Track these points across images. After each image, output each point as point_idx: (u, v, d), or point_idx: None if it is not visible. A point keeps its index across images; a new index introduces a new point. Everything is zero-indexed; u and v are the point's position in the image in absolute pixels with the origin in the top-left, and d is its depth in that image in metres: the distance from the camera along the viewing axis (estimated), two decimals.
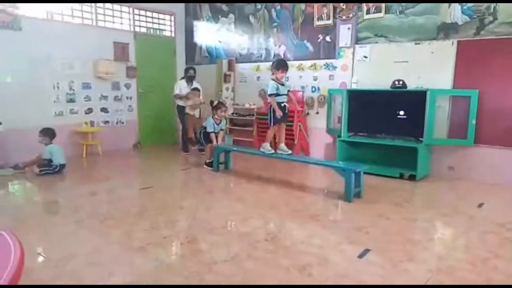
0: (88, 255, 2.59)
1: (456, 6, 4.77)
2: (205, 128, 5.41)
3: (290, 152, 4.73)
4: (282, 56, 6.47)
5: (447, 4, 4.80)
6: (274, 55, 6.58)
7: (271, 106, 4.51)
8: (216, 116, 5.38)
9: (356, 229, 3.11)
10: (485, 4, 4.55)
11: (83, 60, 6.27)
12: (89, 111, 6.46)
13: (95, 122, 6.54)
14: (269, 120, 4.60)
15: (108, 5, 6.61)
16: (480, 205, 3.80)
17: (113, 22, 6.73)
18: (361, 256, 2.58)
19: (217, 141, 5.33)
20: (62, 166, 5.01)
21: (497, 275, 2.35)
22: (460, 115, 4.82)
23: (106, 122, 6.70)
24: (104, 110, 6.66)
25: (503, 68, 4.51)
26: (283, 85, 4.53)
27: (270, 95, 4.45)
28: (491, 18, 4.55)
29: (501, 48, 4.50)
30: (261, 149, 4.76)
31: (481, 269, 2.42)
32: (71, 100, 6.20)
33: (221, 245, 2.79)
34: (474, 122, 4.69)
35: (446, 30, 4.87)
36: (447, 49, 4.85)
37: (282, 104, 4.50)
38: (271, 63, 4.92)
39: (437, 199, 4.14)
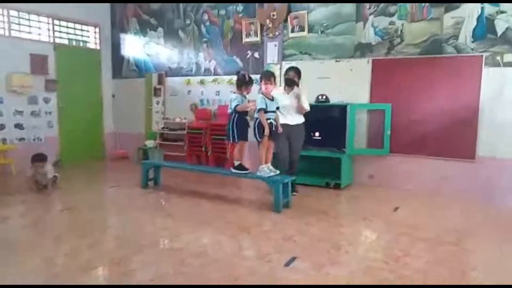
0: None
1: (370, 28, 5.24)
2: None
3: (278, 172, 4.17)
4: (213, 71, 6.54)
5: (363, 25, 5.25)
6: (205, 70, 6.62)
7: (256, 121, 4.11)
8: (244, 93, 4.30)
9: (284, 238, 3.22)
10: (394, 27, 5.07)
11: None
12: (1, 127, 5.90)
13: (8, 140, 5.98)
14: (256, 138, 4.16)
15: (23, 14, 6.16)
16: (396, 209, 4.16)
17: (30, 33, 6.28)
18: (287, 264, 2.68)
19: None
20: None
21: (407, 271, 2.59)
22: (377, 127, 5.25)
23: (22, 139, 6.16)
24: (18, 126, 6.12)
25: (411, 84, 5.03)
26: (272, 100, 4.16)
27: (259, 110, 4.04)
28: (399, 40, 5.08)
29: (408, 66, 5.03)
30: (258, 173, 4.18)
31: (394, 266, 2.66)
32: None
33: (149, 264, 2.70)
34: (389, 133, 5.14)
35: (362, 49, 5.31)
36: (364, 66, 5.29)
37: (269, 121, 4.08)
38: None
39: (358, 205, 4.44)
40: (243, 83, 4.25)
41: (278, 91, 4.54)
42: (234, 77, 6.16)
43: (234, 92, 4.34)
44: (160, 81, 7.07)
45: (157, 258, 2.81)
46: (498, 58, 4.51)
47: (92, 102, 7.34)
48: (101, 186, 5.46)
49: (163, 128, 7.01)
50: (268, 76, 4.15)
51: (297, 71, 4.55)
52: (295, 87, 4.48)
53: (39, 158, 4.77)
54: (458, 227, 3.58)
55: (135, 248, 2.97)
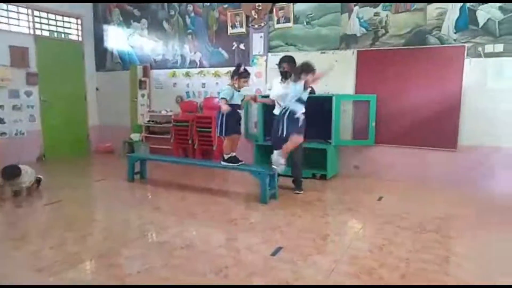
0: None
1: (355, 19, 5.26)
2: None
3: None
4: (198, 63, 6.48)
5: (348, 16, 5.27)
6: (190, 62, 6.56)
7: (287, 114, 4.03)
8: (236, 85, 4.21)
9: (271, 229, 3.25)
10: (378, 18, 5.10)
11: None
12: None
13: None
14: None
15: (1, 4, 5.98)
16: (380, 199, 4.23)
17: (9, 24, 6.11)
18: (274, 254, 2.71)
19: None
20: None
21: (390, 259, 2.64)
22: (362, 118, 5.30)
23: (3, 133, 6.03)
24: (0, 120, 6.00)
25: (395, 75, 5.08)
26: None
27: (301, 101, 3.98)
28: (383, 31, 5.11)
29: (392, 57, 5.08)
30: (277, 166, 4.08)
31: (378, 255, 2.71)
32: None
33: (136, 257, 2.70)
34: (373, 124, 5.20)
35: (347, 40, 5.33)
36: (349, 58, 5.32)
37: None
38: (299, 64, 4.17)
39: (344, 196, 4.48)
40: (235, 73, 4.17)
41: (275, 81, 4.55)
42: (220, 69, 6.22)
43: (228, 84, 4.27)
44: (145, 73, 6.98)
45: (145, 251, 2.81)
46: (480, 49, 4.59)
47: (76, 95, 7.21)
48: (87, 180, 5.40)
49: (148, 121, 6.95)
50: (311, 69, 3.99)
51: (289, 61, 4.42)
52: (292, 75, 4.26)
53: (11, 175, 4.03)
54: (441, 215, 3.66)
55: (122, 241, 2.96)
